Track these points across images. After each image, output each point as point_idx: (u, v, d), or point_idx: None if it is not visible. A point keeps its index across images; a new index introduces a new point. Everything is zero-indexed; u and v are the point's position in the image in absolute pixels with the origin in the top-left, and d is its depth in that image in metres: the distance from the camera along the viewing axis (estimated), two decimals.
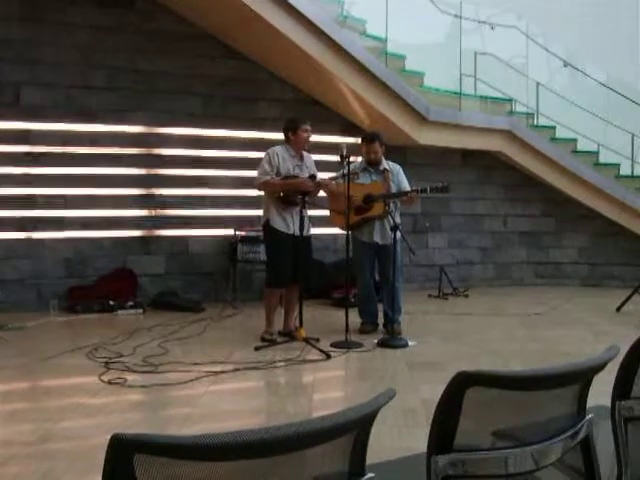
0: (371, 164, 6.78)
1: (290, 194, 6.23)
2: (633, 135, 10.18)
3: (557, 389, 1.82)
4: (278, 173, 6.29)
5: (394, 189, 6.74)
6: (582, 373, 1.85)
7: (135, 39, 8.25)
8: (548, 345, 6.48)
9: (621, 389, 2.03)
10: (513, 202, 10.64)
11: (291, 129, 6.39)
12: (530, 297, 9.51)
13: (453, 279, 9.61)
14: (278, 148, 6.43)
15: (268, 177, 6.26)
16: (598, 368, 1.83)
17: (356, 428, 1.43)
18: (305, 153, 6.53)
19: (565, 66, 11.20)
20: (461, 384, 1.59)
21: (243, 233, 8.24)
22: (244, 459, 1.22)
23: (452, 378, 1.60)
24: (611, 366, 1.88)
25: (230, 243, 8.35)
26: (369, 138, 6.81)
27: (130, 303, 7.74)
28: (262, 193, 6.47)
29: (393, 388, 1.52)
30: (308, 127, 6.39)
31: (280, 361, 5.61)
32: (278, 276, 6.34)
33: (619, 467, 1.99)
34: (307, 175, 6.39)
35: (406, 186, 6.83)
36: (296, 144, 6.40)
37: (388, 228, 6.57)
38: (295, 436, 1.26)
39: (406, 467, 2.61)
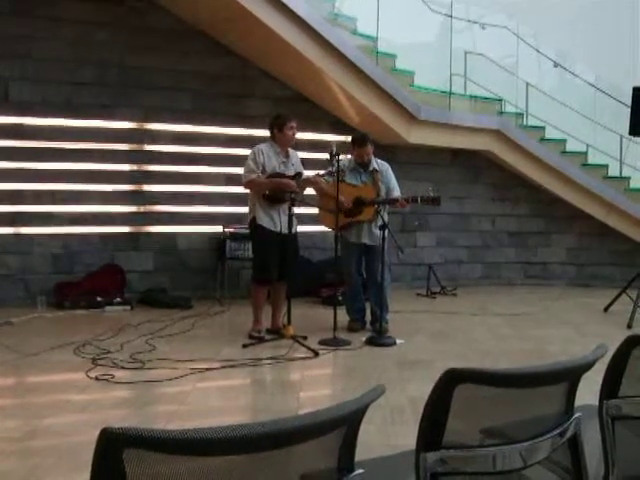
0: (361, 164, 6.77)
1: (276, 192, 6.22)
2: (621, 136, 10.21)
3: (545, 387, 1.83)
4: (264, 171, 6.26)
5: (383, 189, 6.73)
6: (570, 372, 1.86)
7: (125, 35, 8.19)
8: (536, 344, 6.50)
9: (609, 388, 2.04)
10: (502, 202, 10.65)
11: (277, 126, 6.35)
12: (518, 297, 9.55)
13: (441, 278, 9.63)
14: (263, 145, 6.39)
15: (254, 175, 6.22)
16: (586, 367, 1.84)
17: (345, 424, 1.44)
18: (291, 150, 6.49)
19: (555, 67, 11.25)
20: (450, 381, 1.60)
21: (232, 230, 8.21)
22: (234, 454, 1.22)
23: (441, 375, 1.61)
24: (599, 366, 1.89)
25: (219, 240, 8.33)
26: (360, 141, 6.71)
27: (118, 299, 7.71)
28: (249, 191, 6.45)
29: (382, 385, 1.52)
30: (294, 124, 6.35)
31: (268, 359, 5.60)
32: (264, 272, 6.32)
33: (606, 465, 2.01)
34: (293, 172, 6.36)
35: (394, 185, 6.82)
36: (282, 141, 6.36)
37: (376, 229, 6.57)
38: (284, 432, 1.26)
39: (395, 464, 2.62)
